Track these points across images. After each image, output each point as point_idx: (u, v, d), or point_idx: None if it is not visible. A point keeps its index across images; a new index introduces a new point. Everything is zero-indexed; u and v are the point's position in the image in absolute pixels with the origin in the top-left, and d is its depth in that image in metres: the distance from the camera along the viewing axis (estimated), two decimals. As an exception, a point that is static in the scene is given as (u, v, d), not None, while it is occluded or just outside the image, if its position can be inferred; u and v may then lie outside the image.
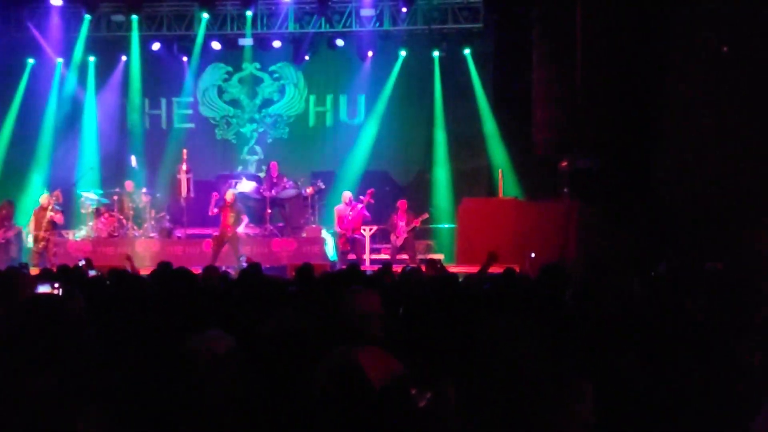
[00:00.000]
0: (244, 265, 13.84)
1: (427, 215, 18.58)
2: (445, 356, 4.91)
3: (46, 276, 8.85)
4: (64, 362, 2.94)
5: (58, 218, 18.12)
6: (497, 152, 20.84)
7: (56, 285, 6.84)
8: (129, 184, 19.75)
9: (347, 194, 18.21)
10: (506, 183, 19.30)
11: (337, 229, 18.07)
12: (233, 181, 19.97)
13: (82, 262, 11.98)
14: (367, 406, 3.16)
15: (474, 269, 13.16)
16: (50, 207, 17.97)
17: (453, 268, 14.48)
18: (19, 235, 18.57)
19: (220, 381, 3.22)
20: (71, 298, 5.07)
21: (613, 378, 3.97)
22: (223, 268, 12.70)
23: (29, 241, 18.22)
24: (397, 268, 11.73)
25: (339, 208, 18.10)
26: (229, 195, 17.53)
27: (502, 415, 2.55)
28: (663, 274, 8.65)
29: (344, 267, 12.60)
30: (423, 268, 10.86)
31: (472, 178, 21.53)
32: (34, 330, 2.93)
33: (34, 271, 12.85)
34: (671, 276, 8.11)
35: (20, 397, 2.77)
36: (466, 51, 21.64)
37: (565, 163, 17.24)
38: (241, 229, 17.71)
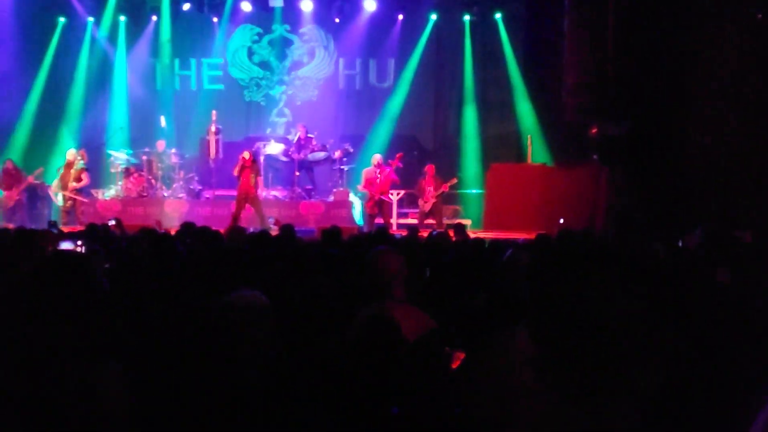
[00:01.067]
0: (273, 227, 13.88)
1: (455, 180, 18.50)
2: (473, 319, 4.91)
3: (71, 235, 8.90)
4: (85, 318, 2.94)
5: (84, 180, 18.15)
6: (527, 118, 20.71)
7: (79, 242, 6.89)
8: (160, 144, 19.80)
9: (377, 157, 18.14)
10: (535, 148, 19.22)
11: (363, 190, 18.02)
12: (261, 143, 19.98)
13: (111, 222, 12.05)
14: (399, 357, 3.16)
15: (502, 235, 13.16)
16: (75, 166, 18.04)
17: (481, 234, 14.45)
18: (35, 192, 18.72)
19: (257, 334, 3.24)
20: (95, 256, 5.10)
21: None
22: (251, 229, 12.72)
23: (58, 199, 18.31)
24: (424, 233, 11.71)
25: (367, 170, 18.03)
26: (246, 155, 17.42)
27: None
28: (696, 240, 8.55)
29: (371, 230, 12.60)
30: (450, 233, 10.81)
31: (501, 143, 21.42)
32: (55, 286, 2.94)
33: (64, 229, 12.98)
34: (704, 243, 8.02)
35: (40, 352, 2.78)
36: (497, 15, 21.48)
37: (594, 129, 17.11)
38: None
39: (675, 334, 3.63)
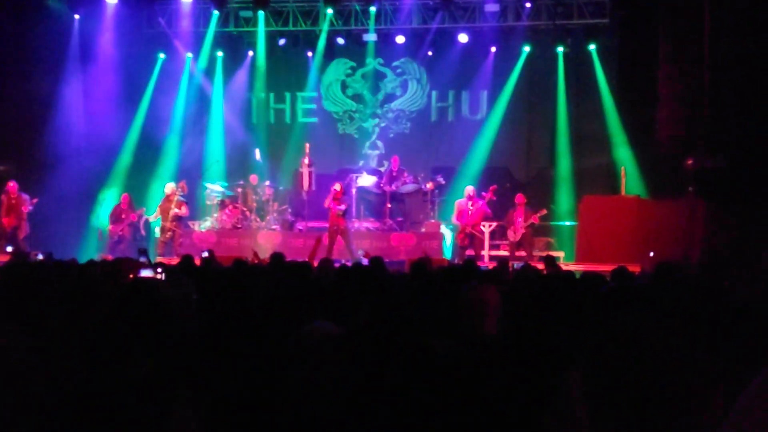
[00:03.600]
0: (363, 259, 13.96)
1: (545, 211, 18.39)
2: (565, 351, 4.87)
3: (147, 264, 9.07)
4: (163, 347, 3.01)
5: (183, 211, 18.53)
6: (621, 149, 20.45)
7: (159, 270, 7.03)
8: (254, 178, 20.17)
9: (470, 188, 18.15)
10: (629, 181, 18.97)
11: (455, 222, 18.02)
12: (354, 176, 20.13)
13: (205, 254, 12.25)
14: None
15: (595, 267, 13.02)
16: (175, 198, 18.41)
17: (572, 266, 14.32)
18: (139, 224, 19.14)
19: (326, 366, 3.28)
20: (177, 284, 5.19)
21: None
22: (343, 261, 12.82)
23: (157, 231, 18.73)
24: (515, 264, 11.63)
25: (460, 202, 18.05)
26: (338, 186, 17.60)
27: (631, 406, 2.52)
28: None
29: (461, 262, 12.59)
30: (541, 265, 10.73)
31: (594, 175, 21.20)
32: (132, 313, 3.02)
33: (163, 260, 13.26)
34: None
35: (116, 381, 2.85)
36: (591, 47, 21.31)
37: (690, 162, 16.86)
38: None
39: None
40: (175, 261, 13.43)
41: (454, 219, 18.21)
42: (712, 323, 4.98)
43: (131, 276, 6.91)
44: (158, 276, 6.88)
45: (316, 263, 10.58)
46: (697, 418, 2.52)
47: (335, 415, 3.20)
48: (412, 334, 3.56)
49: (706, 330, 4.71)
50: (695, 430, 2.52)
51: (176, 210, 18.40)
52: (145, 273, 6.94)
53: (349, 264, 10.93)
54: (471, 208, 17.78)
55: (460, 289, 4.90)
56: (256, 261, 12.08)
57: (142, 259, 11.40)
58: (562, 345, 4.40)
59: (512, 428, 3.02)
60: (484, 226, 18.28)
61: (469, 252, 17.61)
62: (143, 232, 19.33)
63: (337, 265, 10.05)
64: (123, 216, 18.84)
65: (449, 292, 6.04)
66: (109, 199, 20.14)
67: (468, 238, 17.68)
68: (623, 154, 20.31)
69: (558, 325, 5.14)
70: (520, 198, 18.35)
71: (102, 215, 19.77)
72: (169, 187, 18.73)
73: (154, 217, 18.80)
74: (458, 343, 4.06)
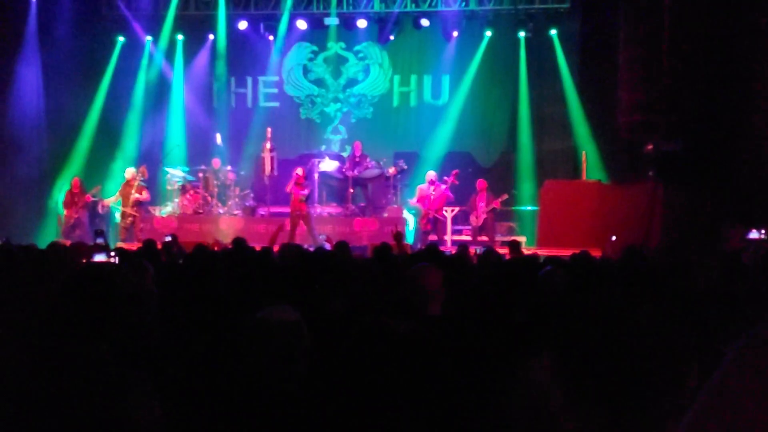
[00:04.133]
0: (326, 244, 13.92)
1: (506, 196, 18.48)
2: (531, 336, 4.89)
3: (100, 248, 8.99)
4: (117, 332, 2.97)
5: (144, 196, 18.45)
6: (582, 134, 20.55)
7: (113, 254, 6.97)
8: (216, 162, 20.05)
9: (431, 174, 18.21)
10: (590, 165, 19.09)
11: (415, 205, 18.07)
12: (316, 160, 20.08)
13: (168, 238, 12.17)
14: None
15: (556, 252, 13.08)
16: (136, 183, 18.30)
17: (535, 251, 14.37)
18: (96, 206, 19.01)
19: (286, 349, 3.25)
20: (138, 269, 5.14)
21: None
22: (305, 246, 12.76)
23: (117, 216, 18.61)
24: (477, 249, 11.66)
25: (421, 187, 18.10)
26: (300, 171, 17.56)
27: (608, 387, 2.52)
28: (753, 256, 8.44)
29: (423, 247, 12.58)
30: (503, 250, 10.77)
31: (555, 160, 21.32)
32: (84, 298, 2.97)
33: (124, 245, 13.16)
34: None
35: (71, 366, 2.81)
36: (552, 32, 21.37)
37: (650, 146, 16.97)
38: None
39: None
40: (136, 246, 13.34)
41: (413, 202, 18.24)
42: (681, 303, 5.02)
43: (83, 260, 6.84)
44: (112, 260, 6.81)
45: (276, 248, 10.52)
46: (672, 398, 2.53)
47: (296, 399, 3.17)
48: (373, 316, 3.54)
49: (677, 310, 4.75)
50: (671, 409, 2.52)
51: (137, 195, 18.29)
52: (99, 257, 6.86)
53: (311, 249, 10.89)
54: (433, 192, 17.82)
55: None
56: (217, 248, 12.01)
57: (99, 240, 11.31)
58: (527, 330, 4.42)
59: (474, 410, 3.02)
60: (446, 210, 18.34)
61: (432, 237, 17.65)
62: (101, 213, 19.19)
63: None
64: (75, 200, 18.68)
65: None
66: (66, 183, 19.94)
67: (431, 223, 17.73)
68: (584, 139, 20.41)
69: (524, 310, 5.17)
70: (481, 183, 18.45)
71: (60, 200, 19.59)
72: (129, 172, 18.62)
73: (113, 200, 18.66)
74: (419, 323, 4.07)
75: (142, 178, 18.49)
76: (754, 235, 13.09)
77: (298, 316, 3.40)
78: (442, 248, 12.24)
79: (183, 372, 3.85)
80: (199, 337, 4.59)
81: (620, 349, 2.44)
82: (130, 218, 18.30)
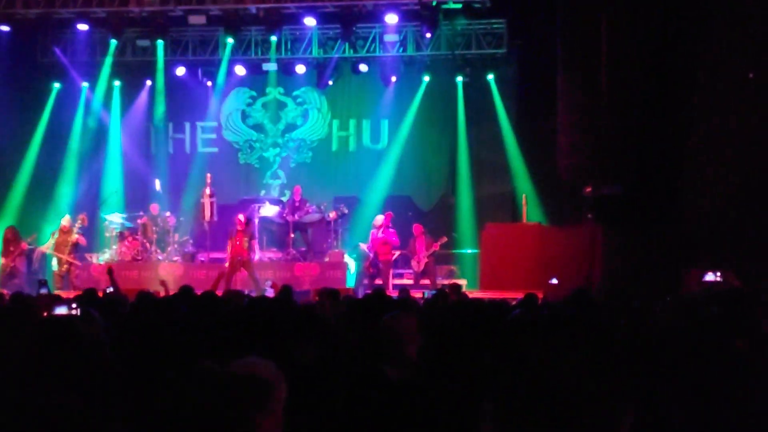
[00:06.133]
0: (269, 290, 13.83)
1: (445, 239, 18.62)
2: (479, 378, 4.89)
3: (61, 300, 8.85)
4: (84, 383, 2.91)
5: (81, 240, 18.20)
6: (521, 177, 20.73)
7: (74, 306, 6.86)
8: (154, 207, 19.89)
9: (379, 218, 18.36)
10: (530, 208, 19.22)
11: (365, 250, 18.15)
12: (256, 206, 19.99)
13: (110, 289, 11.96)
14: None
15: (498, 294, 13.14)
16: (74, 230, 18.05)
17: (477, 294, 14.42)
18: (31, 255, 18.71)
19: (257, 405, 3.17)
20: (89, 319, 5.05)
21: (651, 405, 3.91)
22: (246, 291, 12.66)
23: (54, 264, 18.30)
24: (418, 293, 11.68)
25: (372, 231, 18.28)
26: (241, 217, 17.49)
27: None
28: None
29: (369, 291, 12.57)
30: (448, 293, 10.78)
31: (495, 203, 21.46)
32: (51, 351, 2.91)
33: (61, 294, 12.92)
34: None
35: (40, 418, 2.74)
36: (490, 76, 21.61)
37: (589, 189, 17.17)
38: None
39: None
40: (73, 294, 13.10)
41: (365, 246, 18.37)
42: (621, 347, 5.06)
43: (42, 313, 6.70)
44: (73, 312, 6.69)
45: (219, 293, 10.42)
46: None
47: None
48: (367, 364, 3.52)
49: (616, 354, 4.79)
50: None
51: (76, 237, 18.04)
52: (60, 310, 6.73)
53: (253, 294, 10.82)
54: (380, 234, 17.91)
55: (380, 318, 5.02)
56: (162, 294, 11.86)
57: (42, 291, 11.13)
58: (475, 374, 4.44)
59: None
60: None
61: (378, 281, 17.66)
62: (36, 265, 18.88)
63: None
64: (11, 248, 18.34)
65: (364, 322, 6.03)
66: (1, 231, 19.57)
67: (374, 267, 17.72)
68: (523, 182, 20.59)
69: (472, 354, 5.19)
70: (417, 229, 18.59)
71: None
72: (66, 219, 18.35)
73: (46, 247, 18.36)
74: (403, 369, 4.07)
75: (81, 226, 18.24)
76: (710, 277, 13.24)
77: (273, 371, 3.33)
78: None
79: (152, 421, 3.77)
80: (154, 386, 4.51)
81: (555, 396, 2.44)
82: (65, 265, 18.02)
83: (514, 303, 9.31)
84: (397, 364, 4.58)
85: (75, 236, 18.09)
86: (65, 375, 2.88)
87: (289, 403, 3.25)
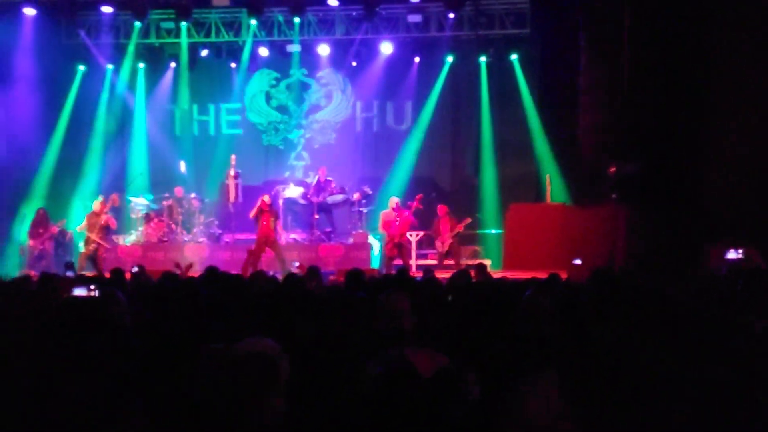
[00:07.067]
0: (296, 271, 13.89)
1: (469, 219, 18.58)
2: (497, 357, 4.93)
3: (84, 280, 8.93)
4: (102, 364, 2.95)
5: (112, 222, 18.28)
6: (544, 157, 20.67)
7: (92, 287, 6.92)
8: (179, 190, 19.96)
9: (394, 200, 18.20)
10: (554, 188, 19.18)
11: (382, 231, 18.06)
12: (280, 187, 20.04)
13: (135, 269, 12.04)
14: (418, 397, 3.17)
15: (522, 275, 13.14)
16: (106, 211, 18.12)
17: (500, 274, 14.42)
18: (61, 238, 18.84)
19: (267, 384, 3.22)
20: (111, 301, 5.12)
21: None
22: (271, 273, 12.72)
23: (81, 245, 18.42)
24: (446, 273, 11.69)
25: (385, 212, 18.05)
26: (266, 198, 17.52)
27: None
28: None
29: (392, 272, 12.60)
30: (472, 273, 10.80)
31: (519, 183, 21.42)
32: (70, 331, 2.96)
33: (88, 274, 13.03)
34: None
35: (58, 399, 2.79)
36: (513, 56, 21.56)
37: (613, 168, 17.11)
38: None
39: (700, 374, 3.63)
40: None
41: (380, 228, 18.25)
42: (659, 325, 5.07)
43: (64, 294, 6.78)
44: (92, 293, 6.76)
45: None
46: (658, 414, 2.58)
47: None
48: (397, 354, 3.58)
49: (657, 330, 4.81)
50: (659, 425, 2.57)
51: (106, 219, 18.15)
52: (79, 291, 6.81)
53: (279, 276, 10.88)
54: (397, 219, 17.82)
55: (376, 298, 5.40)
56: (182, 272, 11.97)
57: (69, 273, 11.23)
58: (521, 349, 4.46)
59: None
60: (410, 235, 18.37)
61: (398, 262, 17.65)
62: (64, 249, 19.04)
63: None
64: (41, 230, 18.53)
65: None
66: (30, 213, 19.75)
67: (396, 248, 17.71)
68: (547, 162, 20.53)
69: (510, 331, 5.24)
70: (442, 209, 18.54)
71: (23, 230, 19.40)
72: (98, 203, 18.40)
73: (80, 228, 18.47)
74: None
75: (112, 206, 18.31)
76: (732, 255, 13.20)
77: (276, 349, 3.39)
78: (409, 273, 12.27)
79: (168, 403, 3.83)
80: (174, 367, 4.56)
81: (614, 371, 2.48)
82: (93, 245, 18.07)
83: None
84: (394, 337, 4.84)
85: (104, 218, 18.17)
86: (83, 356, 2.93)
87: (296, 381, 3.31)
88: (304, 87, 23.23)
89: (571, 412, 2.50)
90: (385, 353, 4.44)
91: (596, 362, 2.49)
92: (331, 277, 13.20)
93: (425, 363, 3.81)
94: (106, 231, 18.24)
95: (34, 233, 18.55)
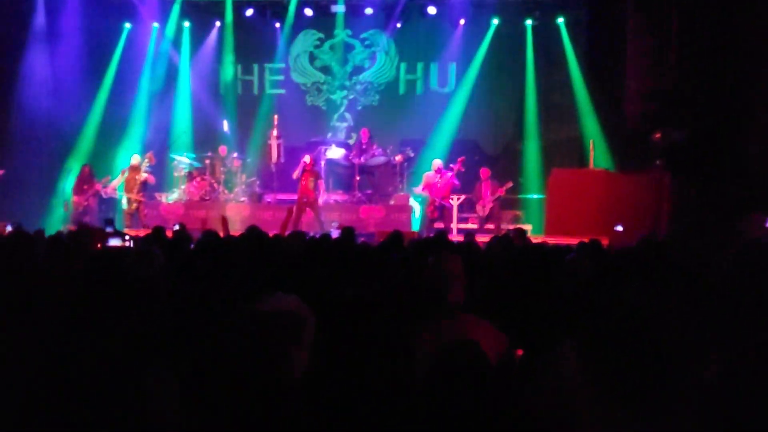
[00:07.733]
0: (335, 231, 13.91)
1: (511, 183, 18.48)
2: (541, 323, 4.88)
3: (115, 232, 8.98)
4: (132, 318, 2.95)
5: (150, 179, 18.45)
6: (589, 123, 20.50)
7: (126, 238, 6.96)
8: (223, 149, 20.06)
9: (437, 162, 18.16)
10: (597, 154, 19.01)
11: (421, 192, 18.04)
12: (322, 148, 20.06)
13: (176, 227, 12.11)
14: (485, 381, 3.09)
15: (563, 240, 13.07)
16: (142, 168, 18.30)
17: (541, 239, 14.34)
18: (104, 194, 18.99)
19: (280, 340, 3.21)
20: (149, 257, 5.13)
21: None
22: (311, 233, 12.74)
23: (123, 203, 18.59)
24: (484, 237, 11.64)
25: (428, 174, 18.04)
26: (307, 159, 17.55)
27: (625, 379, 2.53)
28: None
29: (431, 235, 12.58)
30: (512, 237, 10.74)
31: (562, 148, 21.28)
32: (101, 282, 2.95)
33: (130, 232, 13.14)
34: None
35: (87, 350, 2.78)
36: (560, 20, 21.33)
37: (658, 135, 16.92)
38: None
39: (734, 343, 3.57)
40: (143, 233, 13.31)
41: (418, 190, 18.22)
42: (699, 294, 5.01)
43: (99, 245, 6.83)
44: (126, 244, 6.80)
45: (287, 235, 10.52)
46: (690, 389, 2.53)
47: (296, 392, 3.16)
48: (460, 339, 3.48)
49: (696, 301, 4.74)
50: (689, 399, 2.53)
51: (144, 175, 18.30)
52: (114, 242, 6.85)
53: (317, 236, 10.90)
54: (439, 181, 17.78)
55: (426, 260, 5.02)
56: (222, 230, 12.00)
57: (108, 229, 11.30)
58: (554, 316, 4.42)
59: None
60: (452, 198, 18.31)
61: (439, 225, 17.64)
62: (107, 199, 19.20)
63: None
64: (85, 187, 18.66)
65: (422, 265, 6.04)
66: (75, 169, 19.92)
67: (437, 211, 17.69)
68: (591, 128, 20.36)
69: (549, 297, 5.18)
70: (485, 172, 18.46)
71: (68, 186, 19.58)
72: (135, 158, 18.60)
73: (116, 183, 18.60)
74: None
75: (149, 164, 18.47)
76: (773, 223, 13.04)
77: (300, 306, 3.38)
78: (449, 236, 12.25)
79: (199, 362, 3.83)
80: (207, 326, 4.58)
81: (644, 340, 2.44)
82: (135, 204, 18.29)
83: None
84: (439, 304, 4.61)
85: (144, 175, 18.34)
86: (110, 310, 2.92)
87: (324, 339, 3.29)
88: (348, 48, 23.13)
89: (600, 380, 2.46)
90: (437, 324, 4.40)
91: (634, 329, 2.44)
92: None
93: (486, 341, 3.71)
94: (145, 188, 18.42)
95: (78, 189, 18.70)
